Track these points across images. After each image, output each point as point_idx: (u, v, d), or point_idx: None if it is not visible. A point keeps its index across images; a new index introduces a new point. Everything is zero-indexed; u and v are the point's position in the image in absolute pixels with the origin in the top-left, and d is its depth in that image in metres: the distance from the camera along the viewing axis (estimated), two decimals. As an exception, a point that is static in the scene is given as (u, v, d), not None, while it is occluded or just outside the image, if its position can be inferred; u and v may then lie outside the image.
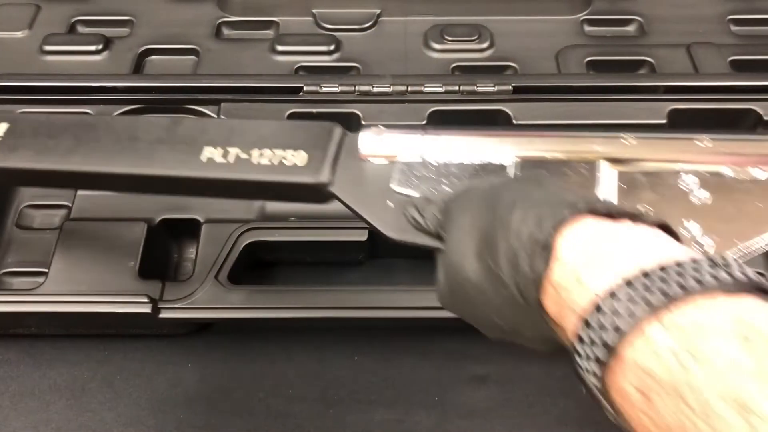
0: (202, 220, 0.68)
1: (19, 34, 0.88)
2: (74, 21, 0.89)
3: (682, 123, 0.75)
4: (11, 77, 0.78)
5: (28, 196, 0.73)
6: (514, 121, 0.74)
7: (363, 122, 0.53)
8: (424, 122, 0.74)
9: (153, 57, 0.87)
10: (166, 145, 0.51)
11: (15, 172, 0.54)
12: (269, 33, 0.89)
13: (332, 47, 0.86)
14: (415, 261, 0.70)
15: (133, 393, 0.62)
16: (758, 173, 0.42)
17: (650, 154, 0.45)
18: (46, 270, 0.64)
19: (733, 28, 0.88)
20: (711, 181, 0.43)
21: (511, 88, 0.76)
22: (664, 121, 0.74)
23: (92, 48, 0.85)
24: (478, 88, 0.76)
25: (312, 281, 0.69)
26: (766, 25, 0.88)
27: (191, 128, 0.53)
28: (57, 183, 0.61)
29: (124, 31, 0.88)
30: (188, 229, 0.68)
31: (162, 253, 0.68)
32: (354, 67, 0.85)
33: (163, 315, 0.61)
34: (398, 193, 0.47)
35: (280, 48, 0.85)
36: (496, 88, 0.76)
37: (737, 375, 0.26)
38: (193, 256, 0.67)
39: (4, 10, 0.90)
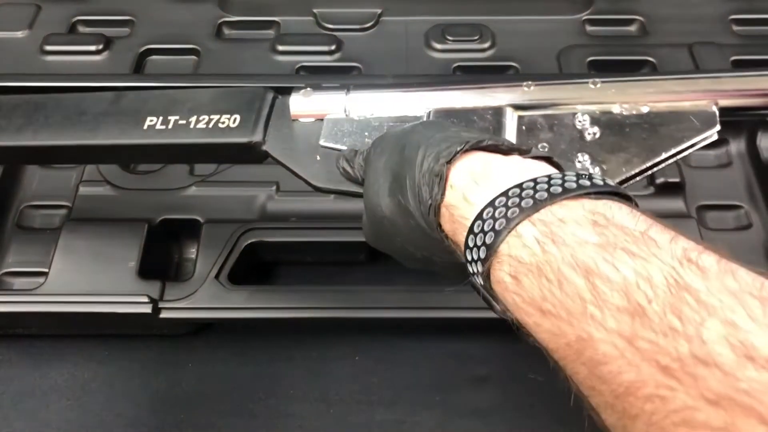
0: (202, 221, 0.68)
1: (19, 34, 0.88)
2: (75, 21, 0.89)
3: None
4: (11, 77, 0.78)
5: (28, 196, 0.73)
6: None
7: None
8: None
9: (154, 57, 0.86)
10: (111, 117, 0.55)
11: None
12: (270, 33, 0.89)
13: (333, 47, 0.85)
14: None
15: (133, 393, 0.62)
16: (643, 108, 0.47)
17: (547, 98, 0.50)
18: (47, 270, 0.64)
19: (735, 28, 0.87)
20: (602, 118, 0.48)
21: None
22: (665, 121, 0.74)
23: (93, 48, 0.85)
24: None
25: (312, 281, 0.69)
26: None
27: (134, 101, 0.56)
28: (11, 159, 0.65)
29: (125, 30, 0.88)
30: (189, 230, 0.68)
31: (162, 254, 0.68)
32: (355, 67, 0.84)
33: (163, 315, 0.61)
34: (325, 147, 0.51)
35: (280, 48, 0.85)
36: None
37: (584, 249, 0.31)
38: (193, 256, 0.67)
39: (5, 10, 0.90)
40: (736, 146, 0.76)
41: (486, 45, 0.85)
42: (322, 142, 0.52)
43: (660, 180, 0.70)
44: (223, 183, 0.71)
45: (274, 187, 0.71)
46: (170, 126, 0.53)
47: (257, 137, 0.52)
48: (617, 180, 0.45)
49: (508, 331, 0.66)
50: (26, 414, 0.61)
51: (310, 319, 0.62)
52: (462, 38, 0.86)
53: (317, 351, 0.65)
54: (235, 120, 0.53)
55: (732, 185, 0.73)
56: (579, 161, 0.46)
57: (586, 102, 0.49)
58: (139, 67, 0.85)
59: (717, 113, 0.46)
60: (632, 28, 0.89)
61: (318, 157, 0.51)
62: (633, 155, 0.46)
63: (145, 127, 0.54)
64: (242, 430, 0.61)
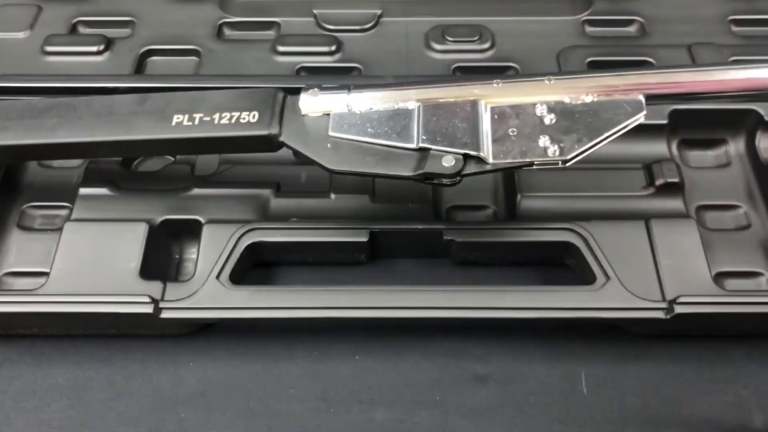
0: (203, 221, 0.68)
1: (20, 35, 0.88)
2: (75, 22, 0.90)
3: (683, 123, 0.75)
4: (12, 78, 0.78)
5: (29, 197, 0.73)
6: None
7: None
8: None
9: (154, 57, 0.87)
10: (140, 115, 0.63)
11: (8, 148, 0.64)
12: (270, 33, 0.89)
13: (333, 48, 0.86)
14: (416, 261, 0.70)
15: (134, 392, 0.63)
16: (587, 98, 0.60)
17: (513, 92, 0.61)
18: (48, 270, 0.64)
19: (734, 28, 0.88)
20: (556, 107, 0.60)
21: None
22: (665, 122, 0.74)
23: (93, 49, 0.85)
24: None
25: (313, 281, 0.69)
26: (767, 25, 0.89)
27: (159, 101, 0.65)
28: (48, 155, 0.70)
29: (126, 31, 0.89)
30: (189, 230, 0.68)
31: (163, 254, 0.68)
32: (355, 68, 0.85)
33: (164, 315, 0.61)
34: (334, 137, 0.60)
35: (281, 49, 0.86)
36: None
37: None
38: (194, 256, 0.67)
39: (5, 11, 0.90)
40: (735, 146, 0.76)
41: (486, 46, 0.86)
42: (331, 133, 0.60)
43: (659, 181, 0.70)
44: (224, 183, 0.71)
45: (275, 188, 0.71)
46: (196, 122, 0.62)
47: (274, 130, 0.61)
48: (572, 154, 0.57)
49: (508, 331, 0.66)
50: (27, 413, 0.62)
51: (310, 319, 0.62)
52: (462, 39, 0.86)
53: (317, 350, 0.65)
54: (254, 116, 0.62)
55: (731, 185, 0.73)
56: (542, 141, 0.58)
57: (543, 94, 0.60)
58: (139, 68, 0.85)
59: (643, 101, 0.59)
60: (632, 28, 0.89)
61: (328, 145, 0.60)
62: (582, 135, 0.58)
63: (173, 123, 0.62)
64: (242, 429, 0.61)
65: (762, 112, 0.75)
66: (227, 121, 0.61)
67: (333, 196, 0.70)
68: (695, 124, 0.75)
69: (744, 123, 0.75)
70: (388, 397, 0.62)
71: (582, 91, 0.60)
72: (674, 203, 0.70)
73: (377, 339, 0.66)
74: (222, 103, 0.63)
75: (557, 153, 0.57)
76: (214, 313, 0.62)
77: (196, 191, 0.70)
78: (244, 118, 0.62)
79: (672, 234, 0.66)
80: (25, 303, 0.62)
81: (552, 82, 0.60)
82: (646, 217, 0.67)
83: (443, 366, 0.64)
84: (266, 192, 0.71)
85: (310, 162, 0.61)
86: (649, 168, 0.71)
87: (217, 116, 0.62)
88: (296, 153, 0.61)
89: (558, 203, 0.68)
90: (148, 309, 0.60)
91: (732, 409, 0.62)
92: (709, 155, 0.76)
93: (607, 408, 0.62)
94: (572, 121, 0.59)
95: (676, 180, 0.70)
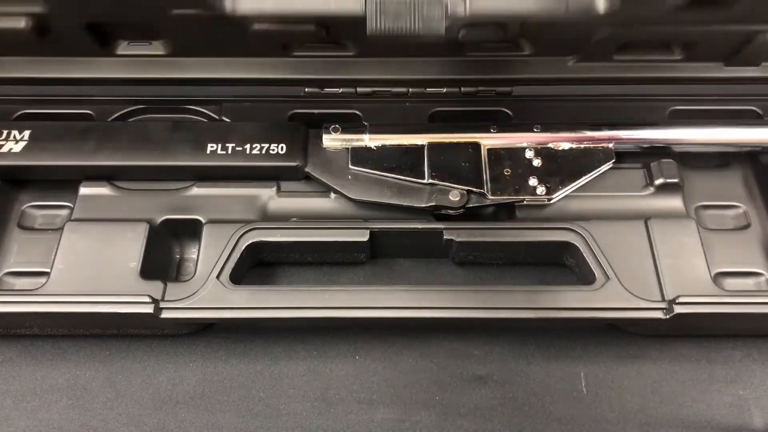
0: (203, 221, 0.68)
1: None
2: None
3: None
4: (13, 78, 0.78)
5: (30, 197, 0.73)
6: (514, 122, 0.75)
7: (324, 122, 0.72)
8: (426, 122, 0.76)
9: (155, 58, 0.87)
10: (176, 143, 0.69)
11: (45, 168, 0.69)
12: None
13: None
14: (416, 261, 0.70)
15: (134, 392, 0.63)
16: (568, 145, 0.70)
17: (506, 137, 0.71)
18: (48, 270, 0.64)
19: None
20: (543, 152, 0.70)
21: (511, 89, 0.76)
22: (664, 122, 0.75)
23: (94, 49, 0.85)
24: (479, 90, 0.76)
25: (313, 281, 0.69)
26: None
27: (193, 129, 0.71)
28: (89, 176, 0.71)
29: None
30: (190, 230, 0.69)
31: (164, 254, 0.68)
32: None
33: (164, 315, 0.61)
34: (353, 169, 0.69)
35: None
36: (496, 90, 0.76)
37: None
38: (194, 256, 0.67)
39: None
40: (735, 147, 0.76)
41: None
42: (351, 166, 0.69)
43: (659, 181, 0.70)
44: (224, 183, 0.71)
45: (275, 188, 0.71)
46: (229, 151, 0.69)
47: (301, 162, 0.69)
48: (556, 194, 0.68)
49: (508, 331, 0.66)
50: (28, 413, 0.62)
51: (310, 319, 0.62)
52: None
53: (317, 350, 0.65)
54: (282, 148, 0.69)
55: (730, 185, 0.73)
56: (531, 181, 0.68)
57: (532, 141, 0.70)
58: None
59: (613, 150, 0.70)
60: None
61: (349, 177, 0.68)
62: (565, 177, 0.68)
63: (208, 151, 0.68)
64: (243, 428, 0.61)
65: (761, 111, 0.75)
66: (258, 152, 0.68)
67: (333, 195, 0.70)
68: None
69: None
70: (388, 397, 0.63)
71: (564, 139, 0.70)
72: (674, 203, 0.70)
73: (377, 339, 0.66)
74: (253, 134, 0.70)
75: (544, 192, 0.67)
76: (215, 313, 0.62)
77: (196, 191, 0.70)
78: (273, 150, 0.69)
79: (672, 234, 0.66)
80: (26, 303, 0.62)
81: (539, 130, 0.70)
82: (645, 217, 0.67)
83: (443, 366, 0.64)
84: (267, 192, 0.71)
85: (333, 191, 0.68)
86: (648, 168, 0.71)
87: (248, 147, 0.69)
88: (320, 182, 0.68)
89: (557, 203, 0.68)
90: (149, 309, 0.60)
91: (732, 410, 0.62)
92: (708, 155, 0.76)
93: (607, 408, 0.62)
94: (556, 165, 0.69)
95: (675, 180, 0.70)
